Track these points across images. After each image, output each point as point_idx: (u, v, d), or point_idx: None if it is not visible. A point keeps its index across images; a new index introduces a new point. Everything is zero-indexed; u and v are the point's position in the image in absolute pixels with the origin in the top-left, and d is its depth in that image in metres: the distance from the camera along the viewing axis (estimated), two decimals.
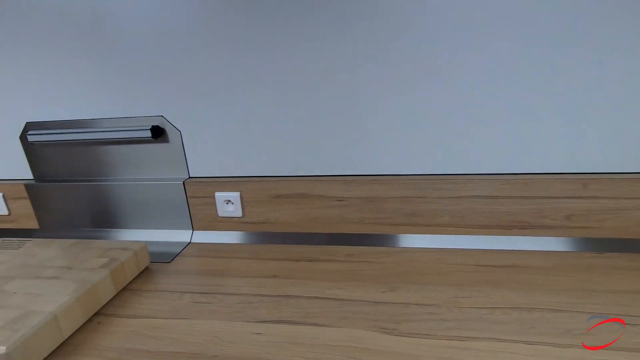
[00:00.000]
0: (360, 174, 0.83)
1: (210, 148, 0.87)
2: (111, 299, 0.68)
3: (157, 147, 0.89)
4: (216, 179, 0.87)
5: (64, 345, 0.57)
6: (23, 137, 0.93)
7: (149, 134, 0.84)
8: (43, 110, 0.90)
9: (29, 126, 0.92)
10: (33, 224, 0.99)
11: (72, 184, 0.93)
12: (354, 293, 0.66)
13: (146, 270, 0.78)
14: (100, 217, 0.95)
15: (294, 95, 0.79)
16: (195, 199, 0.89)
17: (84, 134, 0.87)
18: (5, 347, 0.49)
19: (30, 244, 0.80)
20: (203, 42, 0.79)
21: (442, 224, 0.81)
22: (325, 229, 0.86)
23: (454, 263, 0.73)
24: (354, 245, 0.83)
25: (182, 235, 0.91)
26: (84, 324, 0.62)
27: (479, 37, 0.69)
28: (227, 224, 0.89)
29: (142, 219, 0.94)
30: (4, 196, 0.97)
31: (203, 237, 0.90)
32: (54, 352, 0.56)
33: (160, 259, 0.83)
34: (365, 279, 0.70)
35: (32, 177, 0.97)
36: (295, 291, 0.68)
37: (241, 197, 0.86)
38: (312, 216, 0.85)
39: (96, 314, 0.65)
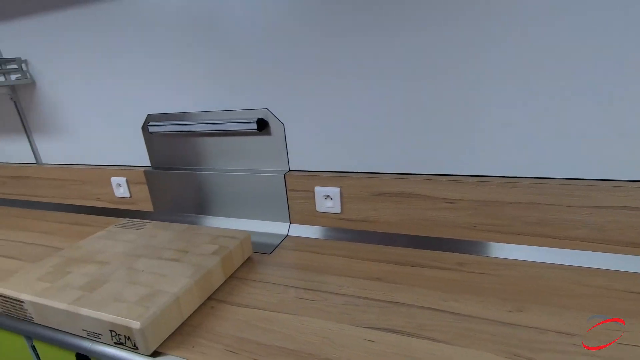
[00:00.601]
0: (476, 175, 0.75)
1: (311, 141, 0.86)
2: (221, 285, 0.71)
3: (260, 140, 0.90)
4: (316, 173, 0.86)
5: (183, 326, 0.61)
6: (145, 128, 1.02)
7: (254, 126, 0.86)
8: (162, 102, 0.98)
9: (150, 118, 1.00)
10: (149, 206, 1.10)
11: (181, 172, 1.00)
12: (472, 308, 0.59)
13: (249, 259, 0.80)
14: (204, 204, 1.01)
15: (403, 86, 0.74)
16: (294, 192, 0.89)
17: (196, 125, 0.92)
18: (139, 323, 0.53)
19: (150, 225, 0.87)
20: (307, 35, 0.77)
21: (578, 238, 0.69)
22: (431, 233, 0.79)
23: (596, 286, 0.61)
24: (464, 253, 0.75)
25: (279, 228, 0.92)
26: (199, 307, 0.65)
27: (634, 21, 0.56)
28: (324, 219, 0.88)
29: (242, 209, 0.97)
30: (127, 181, 1.09)
31: (300, 230, 0.90)
32: (176, 331, 0.59)
33: (260, 250, 0.84)
34: (483, 293, 0.62)
35: (149, 164, 1.07)
36: (404, 298, 0.63)
37: (341, 193, 0.84)
38: (416, 217, 0.79)
39: (209, 299, 0.67)
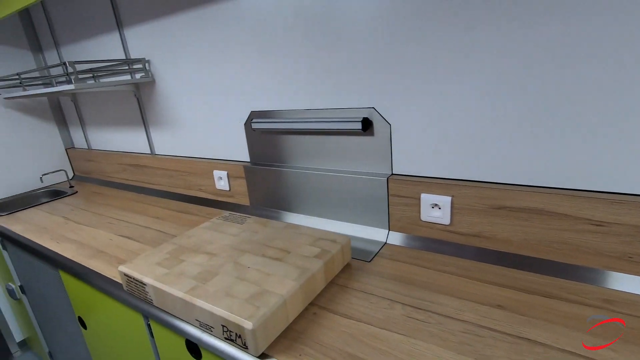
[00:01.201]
0: (638, 194, 0.60)
1: (421, 144, 0.79)
2: (322, 291, 0.69)
3: (363, 140, 0.86)
4: (424, 179, 0.79)
5: (288, 330, 0.59)
6: (247, 124, 1.06)
7: (359, 126, 0.82)
8: (265, 100, 1.00)
9: (253, 114, 1.03)
10: (245, 200, 1.13)
11: (279, 168, 1.01)
12: None
13: (348, 265, 0.77)
14: (298, 203, 1.01)
15: (536, 82, 0.63)
16: (397, 198, 0.83)
17: (298, 123, 0.91)
18: (252, 324, 0.52)
19: (251, 220, 0.89)
20: (420, 31, 0.70)
21: None
22: (566, 259, 0.66)
23: None
24: (611, 289, 0.61)
25: (376, 234, 0.87)
26: (302, 312, 0.63)
27: None
28: (429, 230, 0.80)
29: (337, 210, 0.94)
30: (227, 175, 1.14)
31: (399, 239, 0.84)
32: (281, 335, 0.58)
33: (358, 256, 0.80)
34: None
35: (249, 160, 1.10)
36: (538, 335, 0.53)
37: (452, 203, 0.76)
38: (547, 239, 0.68)
39: (311, 304, 0.65)
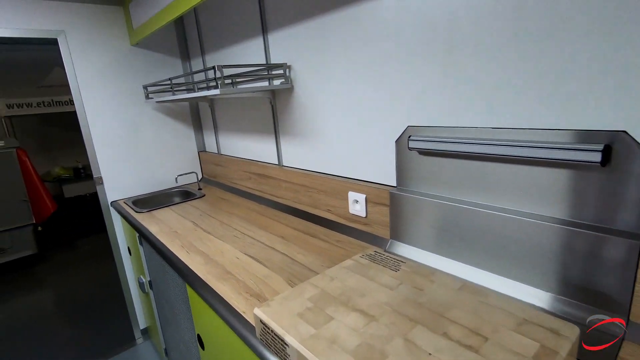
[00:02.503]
0: None
1: None
2: None
3: (585, 175, 0.59)
4: None
5: None
6: (401, 141, 0.86)
7: (597, 157, 0.55)
8: (427, 114, 0.79)
9: (410, 130, 0.83)
10: (384, 232, 0.94)
11: (437, 200, 0.79)
12: None
13: None
14: (460, 248, 0.77)
15: None
16: None
17: (484, 146, 0.68)
18: None
19: (407, 268, 0.69)
20: None
21: None
22: None
23: None
24: None
25: (598, 320, 0.58)
26: None
27: None
28: None
29: (522, 268, 0.67)
30: (366, 199, 0.96)
31: None
32: None
33: (582, 356, 0.53)
34: None
35: (395, 185, 0.91)
36: None
37: None
38: None
39: None
